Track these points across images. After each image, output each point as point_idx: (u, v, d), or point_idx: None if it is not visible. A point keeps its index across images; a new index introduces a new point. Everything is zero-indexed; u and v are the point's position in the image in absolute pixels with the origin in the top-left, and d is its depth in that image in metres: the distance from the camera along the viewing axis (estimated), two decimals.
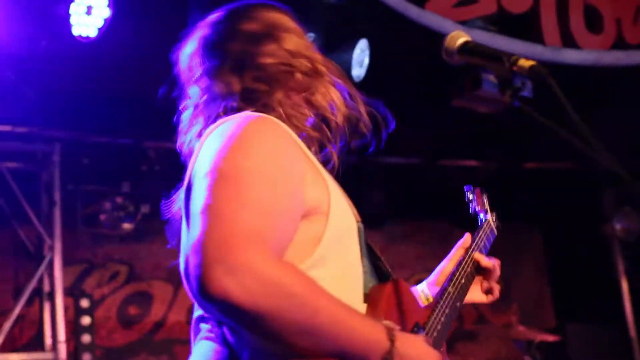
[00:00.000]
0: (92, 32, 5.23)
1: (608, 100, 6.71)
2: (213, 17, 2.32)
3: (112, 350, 7.35)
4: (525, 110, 1.88)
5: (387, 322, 1.93)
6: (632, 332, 8.50)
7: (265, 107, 2.14)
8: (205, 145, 2.02)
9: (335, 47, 5.74)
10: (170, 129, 2.32)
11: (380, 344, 1.87)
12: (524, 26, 6.28)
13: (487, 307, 8.91)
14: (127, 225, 7.05)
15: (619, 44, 6.57)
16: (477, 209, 3.06)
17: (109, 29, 5.23)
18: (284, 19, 2.31)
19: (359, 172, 7.58)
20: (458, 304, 2.42)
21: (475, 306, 8.86)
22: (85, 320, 6.93)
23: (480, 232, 2.84)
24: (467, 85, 6.16)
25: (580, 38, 6.43)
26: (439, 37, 2.06)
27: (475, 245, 2.74)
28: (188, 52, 2.29)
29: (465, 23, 6.01)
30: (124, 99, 6.05)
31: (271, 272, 1.75)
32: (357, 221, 2.18)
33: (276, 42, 2.23)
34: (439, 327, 2.22)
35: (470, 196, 3.08)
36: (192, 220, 1.85)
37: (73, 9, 5.18)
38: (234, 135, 1.97)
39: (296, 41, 2.27)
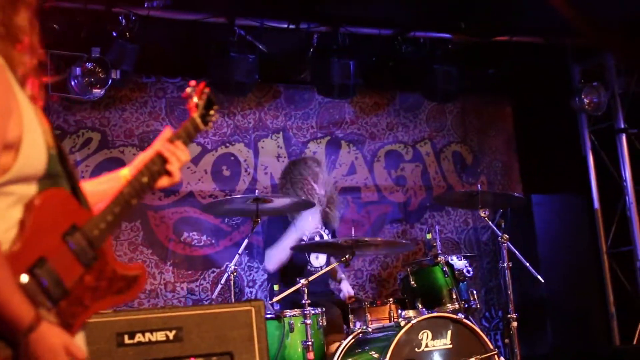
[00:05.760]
0: None
1: None
2: None
3: None
4: None
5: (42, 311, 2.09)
6: (597, 203, 8.67)
7: None
8: None
9: None
10: None
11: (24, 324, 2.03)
12: None
13: (455, 178, 9.01)
14: (97, 91, 6.94)
15: None
16: (193, 103, 2.72)
17: None
18: None
19: (329, 42, 7.55)
20: (134, 201, 2.48)
21: (442, 174, 8.95)
22: None
23: (181, 127, 2.70)
24: None
25: None
26: None
27: (174, 138, 2.66)
28: None
29: None
30: None
31: None
32: (50, 147, 2.26)
33: None
34: (102, 225, 2.35)
35: (190, 90, 2.74)
36: None
37: None
38: None
39: None
